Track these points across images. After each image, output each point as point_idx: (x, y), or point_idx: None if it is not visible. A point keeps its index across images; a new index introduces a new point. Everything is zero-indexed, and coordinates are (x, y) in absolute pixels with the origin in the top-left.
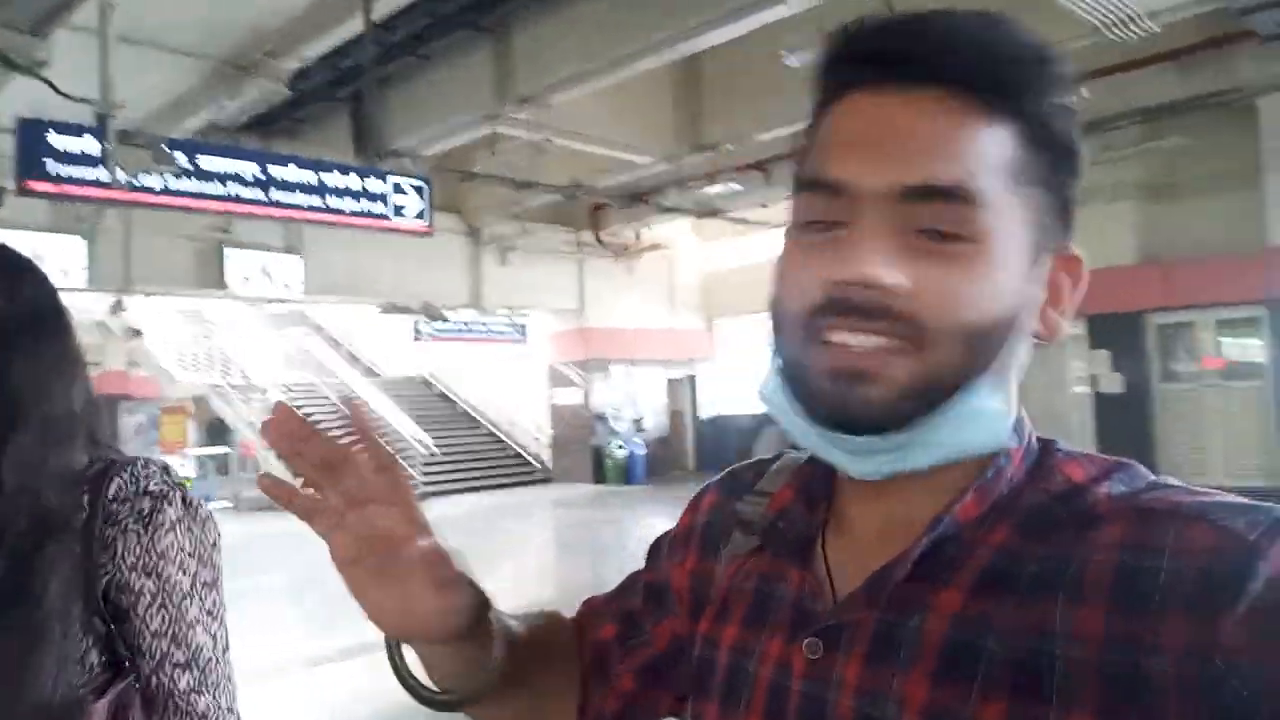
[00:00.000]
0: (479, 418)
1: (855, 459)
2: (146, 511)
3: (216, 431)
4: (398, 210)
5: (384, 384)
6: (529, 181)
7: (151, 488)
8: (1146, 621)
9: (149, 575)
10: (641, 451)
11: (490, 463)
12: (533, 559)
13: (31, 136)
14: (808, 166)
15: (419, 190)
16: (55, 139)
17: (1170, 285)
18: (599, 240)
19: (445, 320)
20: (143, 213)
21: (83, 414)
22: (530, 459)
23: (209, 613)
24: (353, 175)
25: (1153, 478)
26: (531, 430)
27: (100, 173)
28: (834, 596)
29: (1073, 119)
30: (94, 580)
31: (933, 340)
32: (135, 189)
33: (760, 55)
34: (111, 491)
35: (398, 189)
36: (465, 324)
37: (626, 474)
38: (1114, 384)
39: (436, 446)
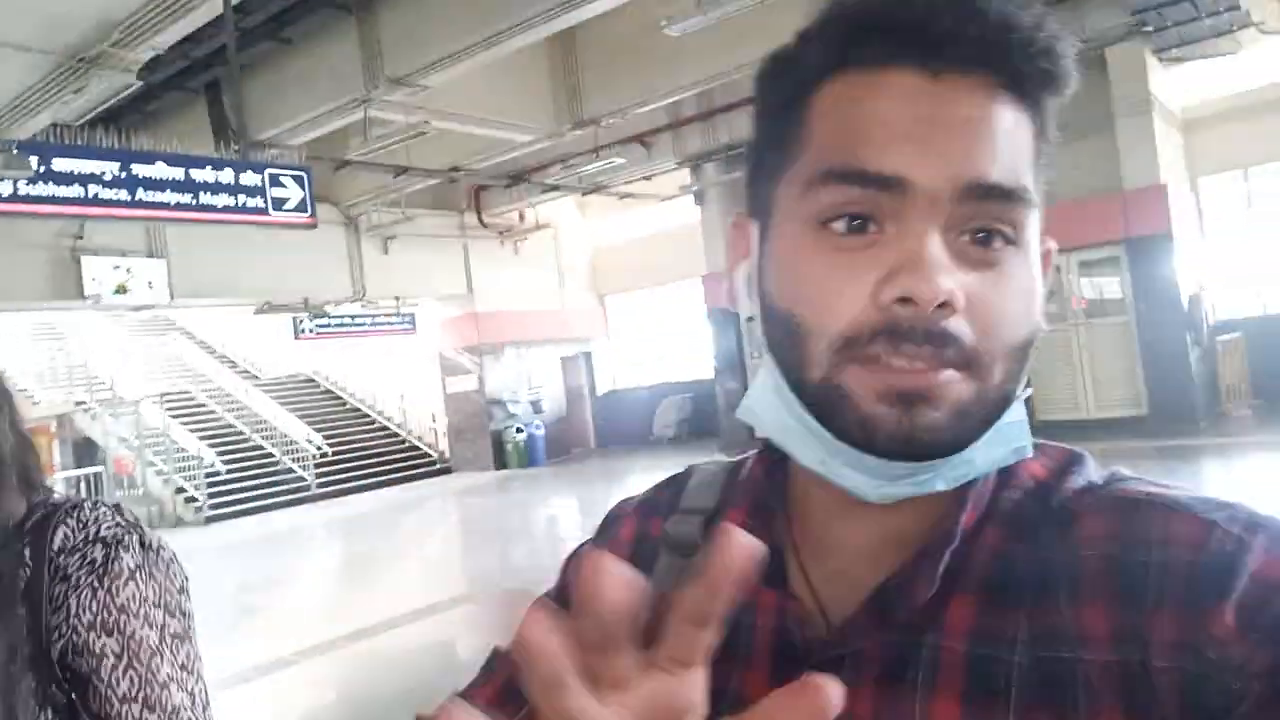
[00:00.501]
0: (370, 412)
1: (880, 482)
2: (100, 561)
3: (84, 451)
4: (276, 203)
5: (266, 385)
6: (406, 166)
7: (103, 533)
8: (1142, 616)
9: (110, 634)
10: (541, 433)
11: (386, 457)
12: (439, 552)
13: None
14: (827, 152)
15: (298, 180)
16: None
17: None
18: (483, 223)
19: (327, 315)
20: None
21: (12, 455)
22: (428, 450)
23: (183, 668)
24: (226, 169)
25: (1109, 469)
26: (427, 420)
27: None
28: (828, 620)
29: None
30: (48, 646)
31: (986, 358)
32: None
33: (637, 26)
34: (58, 542)
35: (275, 181)
36: (350, 317)
37: (528, 457)
38: None
39: (328, 445)
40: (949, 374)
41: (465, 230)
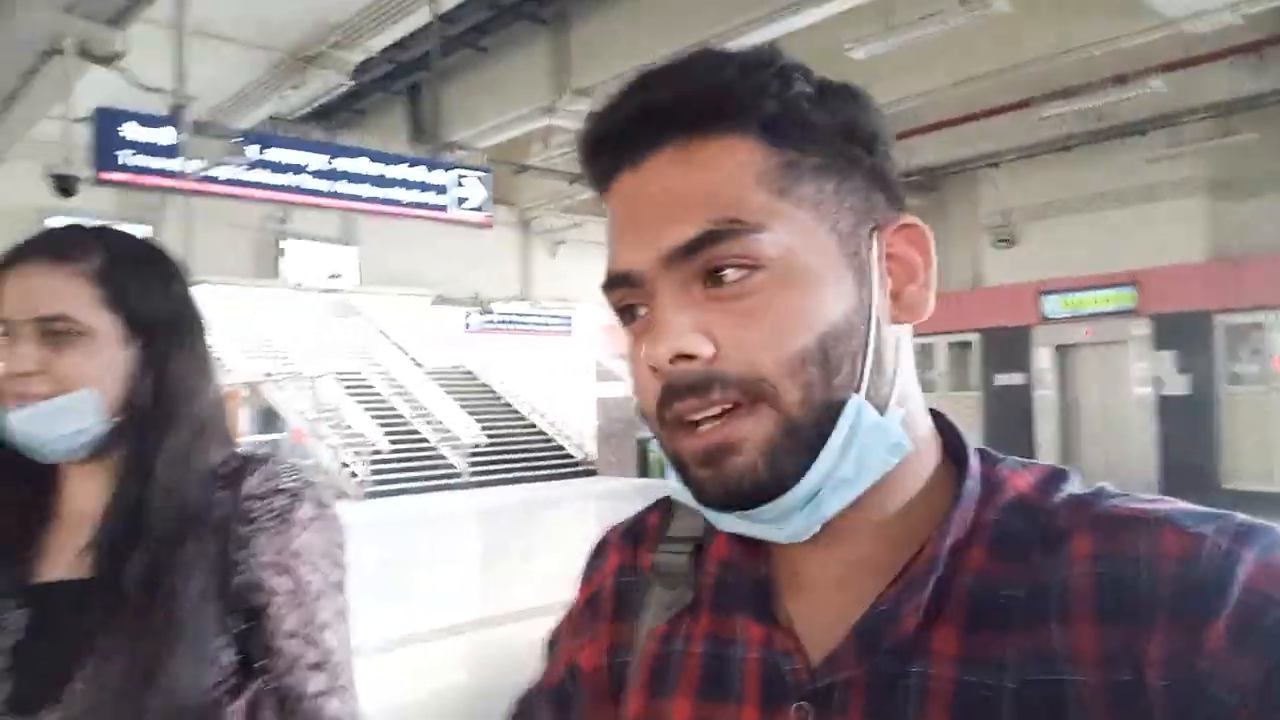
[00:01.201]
0: (523, 409)
1: (774, 527)
2: (281, 509)
3: (268, 419)
4: (459, 202)
5: (430, 374)
6: (581, 175)
7: (285, 485)
8: (1133, 633)
9: (283, 574)
10: None
11: (535, 454)
12: (576, 550)
13: (108, 128)
14: (607, 262)
15: (481, 181)
16: (130, 130)
17: (1240, 284)
18: None
19: (494, 312)
20: (204, 203)
21: (215, 411)
22: (574, 451)
23: (339, 614)
24: (417, 167)
25: (1097, 485)
26: (576, 423)
27: (173, 163)
28: (806, 655)
29: (830, 102)
30: (229, 578)
31: (772, 385)
32: (206, 179)
33: (818, 46)
34: (247, 489)
35: (459, 180)
36: (515, 315)
37: None
38: (1179, 386)
39: (484, 437)
40: (740, 419)
41: None
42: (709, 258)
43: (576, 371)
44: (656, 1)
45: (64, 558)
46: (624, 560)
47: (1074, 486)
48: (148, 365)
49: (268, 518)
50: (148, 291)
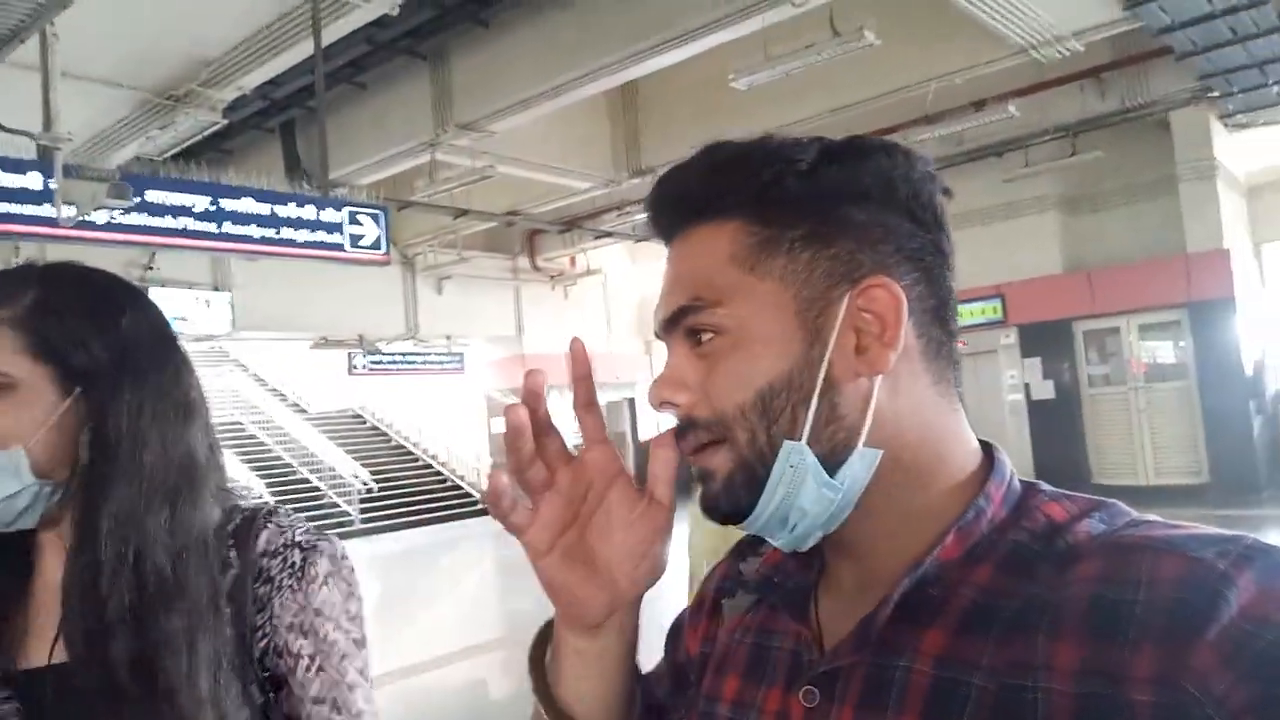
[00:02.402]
0: (415, 450)
1: (771, 538)
2: (298, 565)
3: None
4: (354, 240)
5: (314, 419)
6: (466, 209)
7: (299, 538)
8: (1120, 653)
9: (306, 635)
10: None
11: (429, 495)
12: (478, 594)
13: None
14: None
15: (374, 219)
16: None
17: (1095, 293)
18: (535, 267)
19: (380, 353)
20: (60, 251)
21: (207, 462)
22: (470, 489)
23: (362, 673)
24: (308, 205)
25: (1133, 515)
26: (471, 460)
27: (44, 209)
28: (823, 647)
29: (828, 169)
30: (250, 647)
31: (727, 428)
32: (82, 224)
33: (700, 78)
34: (260, 545)
35: (353, 219)
36: (402, 355)
37: None
38: (1045, 390)
39: (374, 481)
40: (709, 454)
41: (517, 273)
42: (686, 325)
43: (469, 408)
44: (537, 36)
45: (48, 639)
46: (727, 569)
47: (1109, 516)
48: (86, 417)
49: (285, 575)
50: (81, 334)
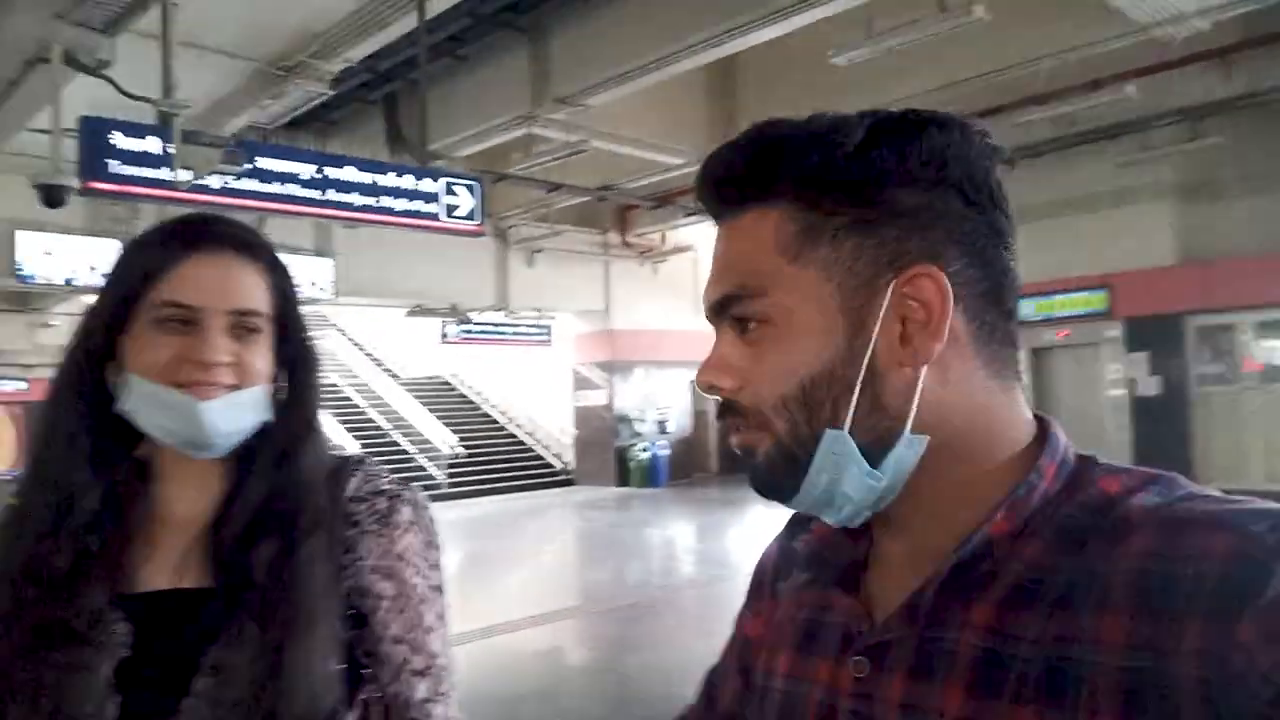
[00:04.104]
0: (501, 419)
1: (824, 517)
2: (384, 511)
3: None
4: (450, 210)
5: (406, 384)
6: (559, 184)
7: (385, 487)
8: (1167, 626)
9: (388, 578)
10: (665, 453)
11: (513, 464)
12: (556, 561)
13: (96, 136)
14: None
15: (470, 189)
16: (119, 139)
17: (1210, 287)
18: (626, 242)
19: (471, 322)
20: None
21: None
22: (553, 460)
23: (439, 617)
24: (406, 175)
25: (1190, 488)
26: (554, 432)
27: (162, 173)
28: (873, 620)
29: (875, 150)
30: (340, 583)
31: (768, 415)
32: (197, 188)
33: (800, 53)
34: (349, 490)
35: (449, 189)
36: (492, 325)
37: (650, 476)
38: (1151, 387)
39: (460, 447)
40: (749, 433)
41: (608, 249)
42: (731, 313)
43: (554, 380)
44: (635, 10)
45: (166, 565)
46: (781, 547)
47: (1166, 489)
48: (282, 363)
49: (371, 519)
50: (294, 287)
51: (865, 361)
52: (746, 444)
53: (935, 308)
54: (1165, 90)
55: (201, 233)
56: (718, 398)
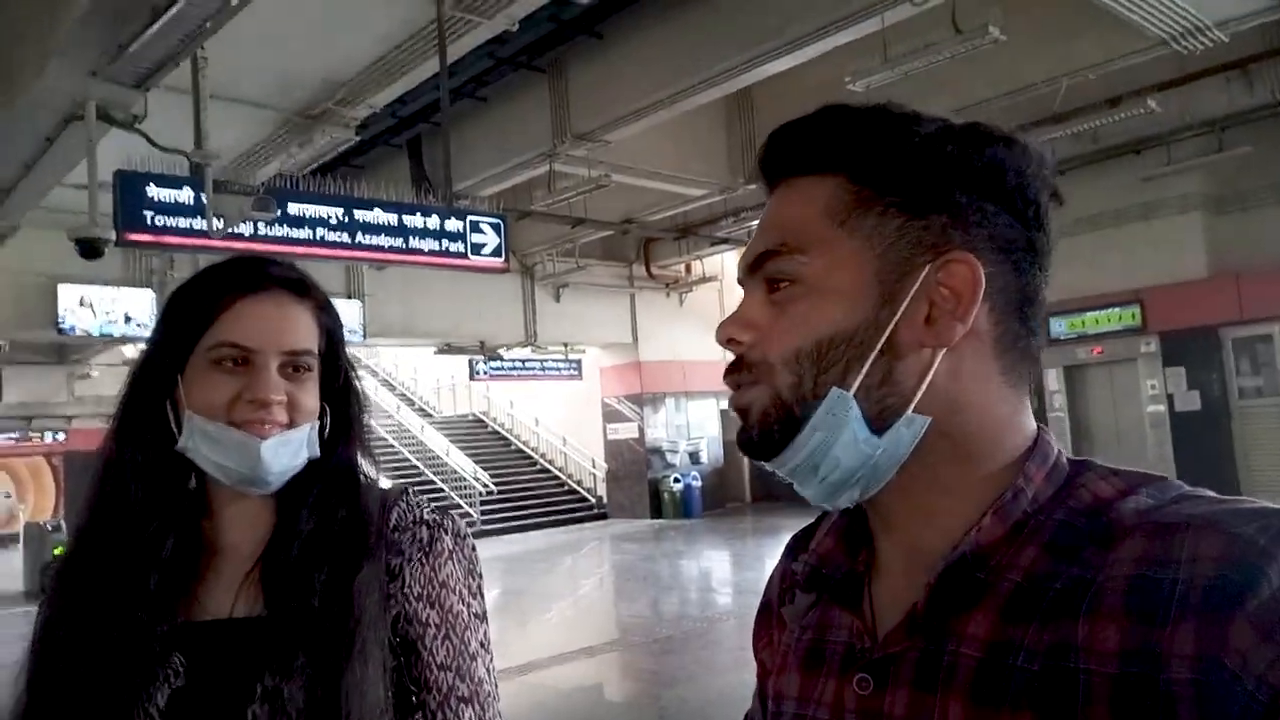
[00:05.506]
0: (533, 454)
1: (802, 488)
2: (426, 540)
3: None
4: (475, 249)
5: (439, 424)
6: (583, 218)
7: (426, 517)
8: (1160, 632)
9: (433, 606)
10: (698, 484)
11: (547, 499)
12: (592, 595)
13: (131, 189)
14: None
15: (495, 227)
16: (153, 190)
17: (1245, 298)
18: (650, 274)
19: (500, 359)
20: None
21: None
22: (586, 494)
23: (483, 645)
24: (432, 215)
25: (1183, 489)
26: (587, 466)
27: (195, 222)
28: (876, 634)
29: (941, 148)
30: (387, 611)
31: (775, 369)
32: (231, 236)
33: (816, 81)
34: (393, 520)
35: (475, 227)
36: (521, 361)
37: (683, 507)
38: (1191, 402)
39: (493, 484)
40: (748, 390)
41: (633, 281)
42: (766, 271)
43: (585, 414)
44: (650, 46)
45: (218, 596)
46: (784, 571)
47: (1160, 491)
48: (327, 399)
49: (414, 548)
50: (340, 326)
51: (887, 333)
52: (742, 404)
53: (965, 295)
54: (1188, 103)
55: (256, 274)
56: (731, 354)
